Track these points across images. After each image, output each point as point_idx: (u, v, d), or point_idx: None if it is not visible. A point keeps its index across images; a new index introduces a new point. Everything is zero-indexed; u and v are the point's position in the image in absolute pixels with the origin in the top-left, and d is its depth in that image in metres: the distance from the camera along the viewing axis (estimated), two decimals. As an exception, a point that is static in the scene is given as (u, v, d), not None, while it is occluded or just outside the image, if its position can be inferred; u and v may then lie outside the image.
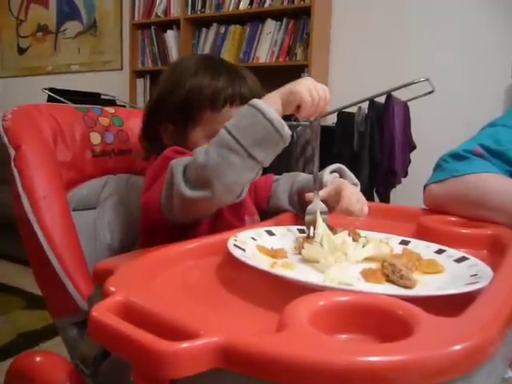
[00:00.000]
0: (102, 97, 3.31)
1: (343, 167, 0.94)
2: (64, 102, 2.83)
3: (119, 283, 0.51)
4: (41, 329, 2.04)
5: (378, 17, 2.82)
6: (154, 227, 0.82)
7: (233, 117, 0.73)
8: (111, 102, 3.29)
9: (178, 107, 0.89)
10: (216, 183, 0.70)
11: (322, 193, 0.87)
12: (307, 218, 0.81)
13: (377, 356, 0.38)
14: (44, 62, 4.26)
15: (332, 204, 0.87)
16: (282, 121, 0.70)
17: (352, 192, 0.86)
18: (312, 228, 0.77)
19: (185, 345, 0.38)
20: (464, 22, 2.61)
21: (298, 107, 0.75)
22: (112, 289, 0.49)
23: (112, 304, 0.45)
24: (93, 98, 3.20)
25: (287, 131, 0.70)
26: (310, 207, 0.83)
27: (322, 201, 0.86)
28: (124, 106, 3.13)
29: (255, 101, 0.71)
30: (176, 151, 0.84)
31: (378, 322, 0.46)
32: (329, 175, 0.91)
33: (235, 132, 0.70)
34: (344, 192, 0.85)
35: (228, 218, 0.89)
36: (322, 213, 0.80)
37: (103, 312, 0.43)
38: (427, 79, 2.21)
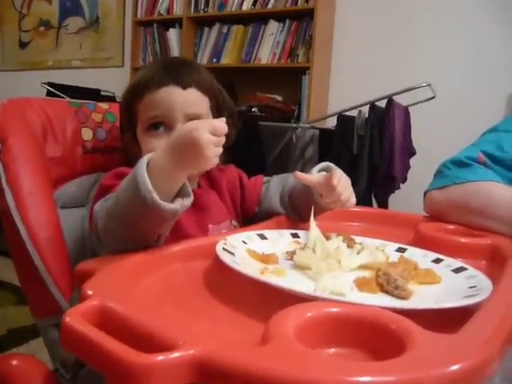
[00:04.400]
0: (102, 93, 3.29)
1: (331, 165, 0.90)
2: (62, 97, 2.80)
3: (98, 286, 0.48)
4: (31, 325, 2.01)
5: (380, 21, 2.80)
6: None
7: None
8: (111, 99, 3.27)
9: (123, 108, 0.93)
10: (109, 249, 0.69)
11: (312, 178, 0.84)
12: None
13: (364, 376, 0.35)
14: (45, 56, 4.22)
15: (320, 190, 0.83)
16: (157, 200, 0.61)
17: (341, 176, 0.82)
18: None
19: (160, 357, 0.35)
20: (467, 28, 2.58)
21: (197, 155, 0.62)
22: (89, 292, 0.46)
23: (87, 309, 0.43)
24: (92, 94, 3.17)
25: (167, 208, 0.62)
26: None
27: (311, 186, 0.84)
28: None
29: (137, 170, 0.63)
30: (117, 175, 0.79)
31: (370, 335, 0.43)
32: (317, 174, 0.88)
33: (120, 204, 0.65)
34: (334, 175, 0.80)
35: (187, 229, 0.84)
36: None
37: (76, 318, 0.40)
38: (429, 84, 2.19)
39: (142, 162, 0.63)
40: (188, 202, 0.66)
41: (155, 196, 0.61)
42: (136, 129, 0.89)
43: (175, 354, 0.35)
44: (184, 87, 0.86)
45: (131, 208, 0.64)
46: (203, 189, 0.95)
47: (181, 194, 0.67)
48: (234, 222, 0.95)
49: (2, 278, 2.49)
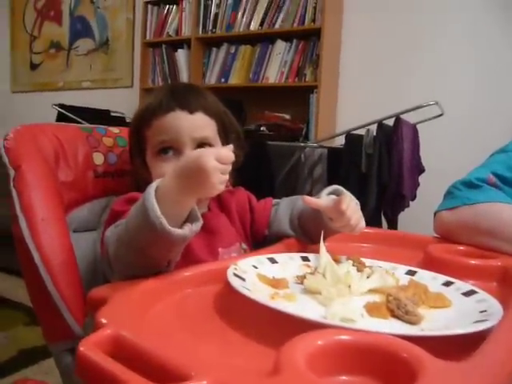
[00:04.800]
0: (112, 114, 3.33)
1: (340, 188, 0.91)
2: (73, 118, 2.84)
3: (111, 315, 0.49)
4: (42, 346, 2.01)
5: (387, 40, 2.82)
6: None
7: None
8: (121, 119, 3.31)
9: (132, 134, 0.94)
10: (120, 274, 0.70)
11: (321, 202, 0.85)
12: None
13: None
14: (56, 78, 4.30)
15: (330, 214, 0.84)
16: (166, 226, 0.61)
17: (351, 201, 0.83)
18: None
19: (173, 388, 0.36)
20: (474, 45, 2.59)
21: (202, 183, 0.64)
22: (103, 321, 0.47)
23: (101, 338, 0.43)
24: (102, 115, 3.21)
25: (176, 234, 0.63)
26: None
27: (320, 210, 0.85)
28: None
29: (146, 195, 0.63)
30: (127, 201, 0.80)
31: (381, 363, 0.43)
32: (326, 198, 0.89)
33: (130, 229, 0.66)
34: (343, 199, 0.81)
35: (197, 253, 0.85)
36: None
37: (91, 348, 0.41)
38: (436, 103, 2.19)
39: (151, 189, 0.64)
40: (197, 226, 0.67)
41: (164, 222, 0.62)
42: (145, 154, 0.91)
43: (188, 386, 0.36)
44: (191, 112, 0.87)
45: (141, 234, 0.65)
46: (213, 212, 0.95)
47: (190, 218, 0.67)
48: (243, 245, 0.95)
49: (14, 298, 2.51)
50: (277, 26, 2.97)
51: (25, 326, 2.27)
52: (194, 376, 0.37)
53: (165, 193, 0.64)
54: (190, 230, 0.65)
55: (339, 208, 0.79)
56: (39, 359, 1.96)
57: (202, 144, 0.87)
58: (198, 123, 0.88)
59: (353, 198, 0.86)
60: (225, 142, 0.92)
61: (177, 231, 0.63)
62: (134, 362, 0.41)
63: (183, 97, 0.89)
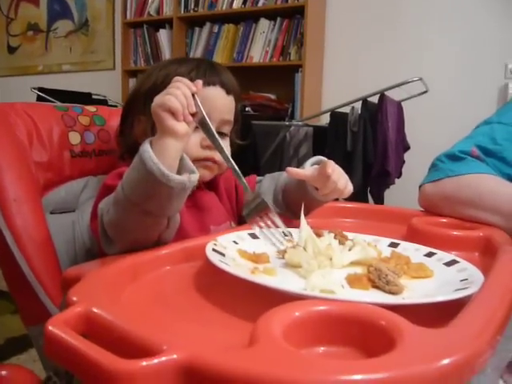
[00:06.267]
0: (94, 97, 3.27)
1: (323, 158, 0.89)
2: (53, 102, 2.79)
3: (83, 292, 0.47)
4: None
5: (372, 17, 2.80)
6: None
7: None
8: (103, 102, 3.25)
9: (148, 96, 0.84)
10: (119, 243, 0.68)
11: (305, 172, 0.83)
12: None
13: (352, 374, 0.34)
14: (35, 61, 4.21)
15: (315, 183, 0.83)
16: (164, 170, 0.62)
17: (335, 165, 0.82)
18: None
19: (143, 363, 0.34)
20: (458, 22, 2.59)
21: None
22: (74, 299, 0.46)
23: (71, 316, 0.42)
24: (84, 98, 3.16)
25: (174, 179, 0.62)
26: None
27: (305, 180, 0.84)
28: (116, 106, 3.09)
29: (142, 147, 0.64)
30: (119, 174, 0.77)
31: (360, 332, 0.42)
32: (310, 168, 0.87)
33: (126, 187, 0.65)
34: (328, 164, 0.80)
35: (188, 230, 0.83)
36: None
37: (59, 325, 0.40)
38: (420, 79, 2.19)
39: (146, 142, 0.65)
40: (195, 177, 0.65)
41: (162, 167, 0.61)
42: None
43: (158, 359, 0.35)
44: (228, 92, 0.87)
45: (138, 187, 0.64)
46: (203, 190, 0.94)
47: (186, 171, 0.67)
48: (233, 224, 0.94)
49: (1, 286, 2.48)
50: (260, 3, 2.93)
51: (12, 314, 2.25)
52: (165, 350, 0.36)
53: (154, 143, 0.65)
54: (188, 178, 0.64)
55: (325, 172, 0.78)
56: (28, 347, 1.95)
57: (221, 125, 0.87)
58: (229, 106, 0.89)
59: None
60: (232, 130, 0.93)
61: (175, 176, 0.62)
62: (105, 339, 0.40)
63: (223, 75, 0.88)
